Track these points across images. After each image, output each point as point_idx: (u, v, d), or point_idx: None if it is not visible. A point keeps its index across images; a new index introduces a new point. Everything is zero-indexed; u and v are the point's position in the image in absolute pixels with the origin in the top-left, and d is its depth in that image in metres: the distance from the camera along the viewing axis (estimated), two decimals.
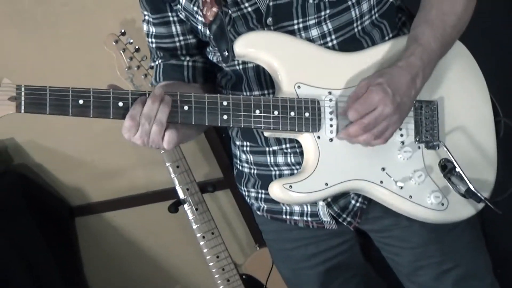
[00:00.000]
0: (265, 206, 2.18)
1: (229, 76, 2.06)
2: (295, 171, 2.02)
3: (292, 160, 2.02)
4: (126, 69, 3.02)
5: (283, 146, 2.01)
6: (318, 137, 1.87)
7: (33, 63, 3.55)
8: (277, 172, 2.08)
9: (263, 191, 2.13)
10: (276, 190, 1.86)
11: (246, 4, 1.88)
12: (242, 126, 1.84)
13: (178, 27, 2.07)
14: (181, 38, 2.09)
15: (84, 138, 3.68)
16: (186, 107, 1.79)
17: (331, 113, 1.88)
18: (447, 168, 1.95)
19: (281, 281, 2.50)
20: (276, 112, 1.84)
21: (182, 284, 4.14)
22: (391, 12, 2.01)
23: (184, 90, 1.85)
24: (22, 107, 1.71)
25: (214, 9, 1.86)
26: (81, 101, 1.73)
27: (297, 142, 1.95)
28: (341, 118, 1.88)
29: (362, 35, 1.94)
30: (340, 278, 2.31)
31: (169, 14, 2.05)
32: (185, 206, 3.26)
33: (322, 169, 1.87)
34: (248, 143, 2.11)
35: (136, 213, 3.94)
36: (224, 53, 1.89)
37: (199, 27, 2.00)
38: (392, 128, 1.85)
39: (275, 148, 2.03)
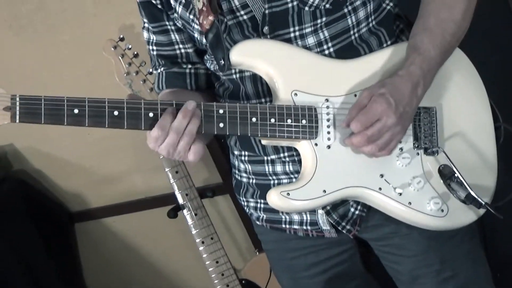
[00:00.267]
0: (264, 216, 2.17)
1: (227, 85, 2.05)
2: (294, 180, 2.00)
3: (291, 168, 2.02)
4: (125, 74, 3.01)
5: (281, 154, 2.00)
6: (316, 144, 1.87)
7: (32, 69, 3.55)
8: (276, 181, 2.07)
9: (262, 201, 2.12)
10: (274, 197, 1.86)
11: (242, 12, 1.88)
12: (239, 134, 1.84)
13: (176, 35, 2.07)
14: (180, 46, 2.09)
15: (84, 143, 3.68)
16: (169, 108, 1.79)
17: (328, 120, 1.87)
18: (446, 174, 1.94)
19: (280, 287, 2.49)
20: (272, 120, 1.83)
21: None
22: (388, 19, 2.00)
23: (188, 97, 1.85)
24: (17, 117, 1.70)
25: (211, 18, 1.86)
26: (76, 110, 1.72)
27: (295, 150, 1.94)
28: (339, 125, 1.87)
29: (359, 42, 1.94)
30: (341, 287, 2.30)
31: (167, 23, 2.05)
32: (184, 211, 3.25)
33: (320, 176, 1.87)
34: (246, 153, 2.10)
35: (136, 218, 3.94)
36: (220, 61, 1.89)
37: (196, 35, 2.00)
38: (396, 138, 1.85)
39: (273, 157, 2.02)
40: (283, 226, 2.15)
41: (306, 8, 1.85)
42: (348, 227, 2.04)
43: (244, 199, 2.21)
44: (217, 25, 1.86)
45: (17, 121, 1.71)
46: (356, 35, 1.93)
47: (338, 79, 1.90)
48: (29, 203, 3.73)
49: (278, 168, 2.04)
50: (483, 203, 1.89)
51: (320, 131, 1.87)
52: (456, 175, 1.91)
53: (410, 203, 1.91)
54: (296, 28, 1.87)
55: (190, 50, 2.09)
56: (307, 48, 1.89)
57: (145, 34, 2.13)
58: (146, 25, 2.10)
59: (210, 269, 3.30)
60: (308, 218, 2.07)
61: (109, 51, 3.01)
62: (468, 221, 1.98)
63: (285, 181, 2.05)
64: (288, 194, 1.85)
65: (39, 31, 3.45)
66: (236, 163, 2.19)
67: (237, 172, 2.21)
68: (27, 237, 3.67)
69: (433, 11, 1.94)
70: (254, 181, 2.13)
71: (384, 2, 1.99)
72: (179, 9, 1.97)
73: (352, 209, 2.02)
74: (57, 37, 3.44)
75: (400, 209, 1.92)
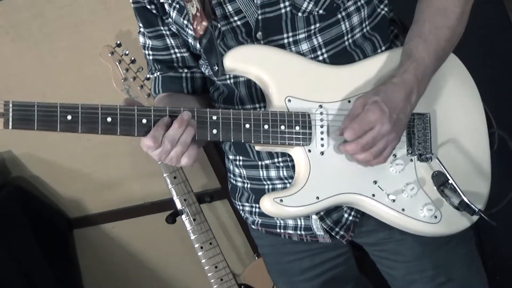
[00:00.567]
0: (260, 220, 2.17)
1: (221, 89, 2.05)
2: (288, 185, 2.00)
3: (285, 174, 2.02)
4: (122, 80, 3.01)
5: (275, 160, 2.00)
6: (309, 151, 1.87)
7: (29, 76, 3.55)
8: (270, 186, 2.07)
9: (257, 205, 2.12)
10: (267, 204, 1.85)
11: (236, 18, 1.88)
12: (232, 140, 1.84)
13: (172, 40, 2.08)
14: (176, 50, 2.09)
15: (82, 150, 3.69)
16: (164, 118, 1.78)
17: (322, 126, 1.87)
18: (440, 180, 1.94)
19: None
20: (266, 126, 1.83)
21: None
22: (383, 24, 2.00)
23: (184, 101, 1.85)
24: (10, 123, 1.70)
25: (204, 23, 1.86)
26: (69, 117, 1.72)
27: (289, 156, 1.94)
28: (332, 132, 1.87)
29: (353, 48, 1.94)
30: None
31: (162, 28, 2.06)
32: (183, 216, 3.26)
33: (313, 183, 1.86)
34: (241, 157, 2.10)
35: (134, 224, 3.94)
36: (214, 67, 1.89)
37: (190, 40, 2.01)
38: (391, 146, 1.84)
39: (267, 162, 2.02)
40: (278, 230, 2.15)
41: (300, 14, 1.85)
42: (341, 232, 2.04)
43: (240, 203, 2.22)
44: (210, 30, 1.86)
45: (10, 127, 1.70)
46: (350, 40, 1.93)
47: (332, 85, 1.90)
48: (27, 209, 3.73)
49: (272, 173, 2.04)
50: (477, 210, 1.89)
51: (313, 137, 1.87)
52: (449, 181, 1.91)
53: (403, 209, 1.91)
54: (290, 34, 1.87)
55: (186, 54, 2.10)
56: (301, 54, 1.89)
57: (141, 39, 2.14)
58: (141, 30, 2.11)
59: (209, 274, 3.31)
60: (303, 223, 2.08)
61: (106, 57, 3.01)
62: (462, 227, 1.98)
63: (279, 186, 2.05)
64: (281, 200, 1.84)
65: (36, 38, 3.45)
66: (231, 167, 2.20)
67: (232, 176, 2.22)
68: (26, 243, 3.66)
69: (428, 17, 1.93)
70: (248, 185, 2.13)
71: (379, 7, 1.99)
72: (173, 14, 1.98)
73: (346, 215, 2.02)
74: (55, 44, 3.44)
75: (393, 216, 1.92)
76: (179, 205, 3.25)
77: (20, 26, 3.44)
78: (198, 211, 3.27)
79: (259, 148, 1.92)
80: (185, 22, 1.97)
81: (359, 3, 1.92)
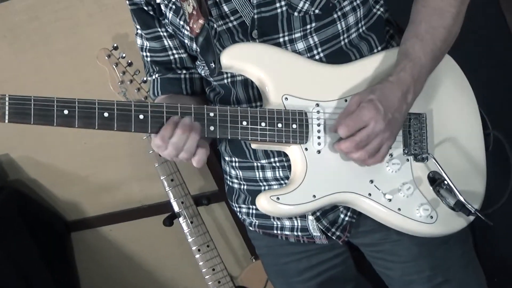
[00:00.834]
0: (257, 222, 2.17)
1: (217, 90, 2.05)
2: (284, 186, 2.00)
3: (281, 174, 2.02)
4: (119, 83, 3.02)
5: (272, 159, 2.00)
6: (306, 149, 1.87)
7: (26, 79, 3.56)
8: (266, 187, 2.07)
9: (254, 207, 2.10)
10: (263, 202, 1.85)
11: (232, 18, 1.89)
12: (229, 138, 1.84)
13: (169, 41, 2.08)
14: (174, 51, 2.09)
15: (79, 152, 3.69)
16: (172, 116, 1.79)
17: (318, 125, 1.87)
18: (436, 180, 1.94)
19: None
20: (263, 124, 1.83)
21: None
22: (379, 25, 2.01)
23: (183, 102, 1.85)
24: (6, 117, 1.69)
25: (201, 21, 1.86)
26: (66, 111, 1.71)
27: (286, 155, 1.94)
28: (329, 130, 1.87)
29: (350, 47, 1.94)
30: None
31: (159, 29, 2.06)
32: (180, 219, 3.26)
33: (310, 181, 1.86)
34: (237, 159, 2.11)
35: (132, 227, 3.94)
36: (211, 64, 1.89)
37: (186, 41, 2.01)
38: (386, 145, 1.85)
39: (263, 162, 2.03)
40: (275, 232, 2.15)
41: (295, 14, 1.86)
42: (338, 233, 2.04)
43: (237, 205, 2.22)
44: (207, 28, 1.86)
45: (6, 121, 1.70)
46: (346, 40, 1.93)
47: (328, 84, 1.90)
48: (25, 212, 3.73)
49: (268, 174, 2.04)
50: (473, 210, 1.89)
51: (310, 135, 1.87)
52: (445, 181, 1.91)
53: (399, 209, 1.91)
54: (286, 33, 1.88)
55: (183, 56, 2.10)
56: (297, 53, 1.90)
57: (139, 41, 2.14)
58: (139, 31, 2.11)
59: (207, 277, 3.32)
60: (299, 224, 2.08)
61: (103, 60, 3.02)
62: (458, 227, 1.99)
63: (275, 187, 2.05)
64: (278, 198, 1.84)
65: (33, 41, 3.46)
66: (227, 169, 2.20)
67: (228, 178, 2.22)
68: (24, 246, 3.67)
69: (424, 17, 1.94)
70: (245, 187, 2.14)
71: (375, 7, 2.00)
72: (170, 15, 1.98)
73: (342, 216, 2.02)
74: (51, 46, 3.45)
75: (389, 215, 1.92)
76: (176, 208, 3.25)
77: (17, 30, 3.44)
78: (196, 213, 3.27)
79: (255, 146, 1.92)
80: (181, 22, 1.97)
81: (354, 3, 1.92)
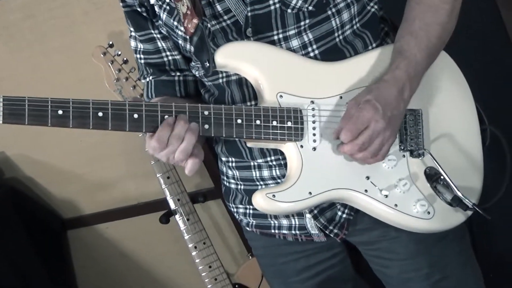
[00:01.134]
0: (254, 222, 2.17)
1: (212, 91, 2.05)
2: None
3: (278, 173, 2.01)
4: (115, 81, 3.02)
5: (268, 158, 2.00)
6: (301, 146, 1.87)
7: (22, 78, 3.55)
8: (263, 187, 2.06)
9: (251, 207, 2.11)
10: (259, 199, 1.85)
11: (225, 17, 1.88)
12: (224, 136, 1.83)
13: (163, 43, 2.07)
14: (168, 53, 2.09)
15: (75, 150, 3.69)
16: (167, 117, 1.79)
17: (313, 122, 1.87)
18: (432, 176, 1.94)
19: None
20: (258, 122, 1.83)
21: None
22: (373, 22, 2.00)
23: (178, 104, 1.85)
24: (1, 118, 1.69)
25: (195, 21, 1.86)
26: (60, 111, 1.71)
27: (282, 154, 1.94)
28: (324, 127, 1.87)
29: (344, 44, 1.94)
30: None
31: (152, 31, 2.06)
32: (176, 216, 3.26)
33: (306, 178, 1.86)
34: (234, 159, 2.10)
35: (128, 224, 3.94)
36: (205, 63, 1.89)
37: (180, 41, 2.00)
38: (388, 143, 1.85)
39: (260, 161, 2.02)
40: (273, 231, 2.14)
41: (289, 11, 1.85)
42: (335, 230, 2.04)
43: (234, 205, 2.21)
44: (201, 27, 1.86)
45: (1, 122, 1.70)
46: (341, 37, 1.93)
47: (323, 81, 1.90)
48: (21, 210, 3.73)
49: (265, 173, 2.04)
50: (470, 204, 1.89)
51: (305, 133, 1.87)
52: (442, 177, 1.91)
53: (396, 205, 1.91)
54: (280, 30, 1.87)
55: (177, 57, 2.09)
56: (291, 50, 1.89)
57: (132, 43, 2.14)
58: (132, 33, 2.11)
59: (203, 274, 3.32)
60: (297, 223, 2.07)
61: (99, 58, 3.02)
62: (455, 223, 1.98)
63: (272, 186, 2.04)
64: (274, 196, 1.84)
65: (28, 40, 3.45)
66: (224, 169, 2.19)
67: (225, 178, 2.21)
68: (20, 244, 3.66)
69: (418, 14, 1.94)
70: (242, 187, 2.13)
71: (369, 4, 1.99)
72: (163, 15, 1.97)
73: (340, 213, 2.02)
74: (47, 45, 3.45)
75: (386, 211, 1.92)
76: (172, 205, 3.26)
77: (12, 28, 3.44)
78: (192, 211, 3.27)
79: (251, 144, 1.92)
80: (175, 23, 1.96)
81: (348, 0, 1.92)
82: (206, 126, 1.81)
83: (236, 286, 3.42)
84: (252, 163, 2.05)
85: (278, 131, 1.85)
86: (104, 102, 1.75)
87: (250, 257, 3.52)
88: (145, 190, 3.76)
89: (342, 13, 1.91)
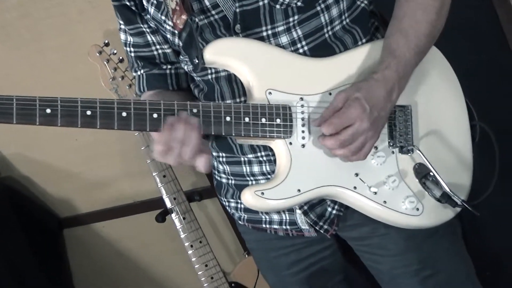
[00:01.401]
0: (245, 216, 2.17)
1: (201, 86, 2.05)
2: None
3: (268, 168, 2.01)
4: (110, 79, 3.02)
5: (258, 154, 2.00)
6: (290, 143, 1.87)
7: (18, 76, 3.55)
8: (254, 182, 2.07)
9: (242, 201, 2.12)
10: (248, 197, 1.85)
11: (213, 12, 1.88)
12: (213, 133, 1.83)
13: (152, 37, 2.07)
14: (158, 47, 2.09)
15: (71, 149, 3.69)
16: (155, 115, 1.78)
17: (302, 119, 1.87)
18: (421, 173, 1.94)
19: None
20: (247, 119, 1.83)
21: None
22: (363, 17, 2.00)
23: (170, 98, 1.85)
24: None
25: (184, 17, 1.86)
26: (48, 110, 1.71)
27: (272, 150, 1.94)
28: (313, 125, 1.87)
29: (334, 40, 1.94)
30: (325, 283, 2.29)
31: (141, 25, 2.06)
32: (173, 215, 3.26)
33: (295, 176, 1.86)
34: (224, 154, 2.10)
35: (124, 223, 3.94)
36: (194, 60, 1.89)
37: (168, 36, 2.00)
38: (370, 143, 1.85)
39: (250, 156, 2.02)
40: (264, 226, 2.15)
41: (278, 6, 1.85)
42: (325, 226, 2.04)
43: (225, 200, 2.22)
44: (190, 23, 1.86)
45: None
46: (330, 33, 1.93)
47: (313, 78, 1.90)
48: (17, 209, 3.73)
49: (255, 168, 2.04)
50: (459, 201, 1.89)
51: (294, 130, 1.87)
52: (431, 173, 1.91)
53: (385, 202, 1.91)
54: (269, 26, 1.87)
55: (168, 51, 2.09)
56: (281, 47, 1.89)
57: (122, 36, 2.14)
58: (122, 26, 2.11)
59: (200, 273, 3.31)
60: (287, 218, 2.08)
61: (94, 57, 3.02)
62: (445, 219, 1.99)
63: (262, 181, 2.04)
64: (263, 193, 1.84)
65: (24, 39, 3.46)
66: (215, 164, 2.19)
67: (216, 173, 2.22)
68: (16, 243, 3.66)
69: (407, 11, 1.93)
70: (233, 182, 2.13)
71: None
72: (151, 10, 1.98)
73: (330, 209, 2.02)
74: (43, 43, 3.45)
75: (375, 208, 1.92)
76: (168, 204, 3.25)
77: (8, 27, 3.44)
78: (188, 209, 3.27)
79: (240, 141, 1.93)
80: (163, 17, 1.97)
81: None
82: None
83: (233, 284, 3.42)
84: (242, 159, 2.05)
85: (267, 129, 1.85)
86: (93, 100, 1.75)
87: (247, 255, 3.51)
88: (141, 188, 3.76)
89: (331, 9, 1.90)
